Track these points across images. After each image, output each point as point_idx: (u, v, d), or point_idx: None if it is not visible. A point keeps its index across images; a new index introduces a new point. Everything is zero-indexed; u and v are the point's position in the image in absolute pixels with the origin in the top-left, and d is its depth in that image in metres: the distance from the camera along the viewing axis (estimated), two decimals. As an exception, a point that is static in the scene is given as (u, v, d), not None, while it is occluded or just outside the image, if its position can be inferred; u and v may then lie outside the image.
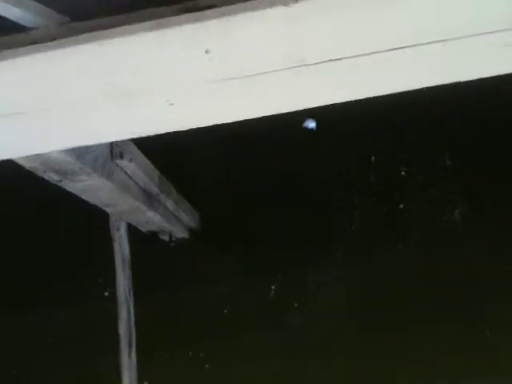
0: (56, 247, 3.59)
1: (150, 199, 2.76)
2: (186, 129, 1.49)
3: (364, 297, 3.39)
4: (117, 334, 2.89)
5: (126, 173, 2.39)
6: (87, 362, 3.23)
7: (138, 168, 2.35)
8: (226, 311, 3.48)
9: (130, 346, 2.87)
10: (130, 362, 2.86)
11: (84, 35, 1.21)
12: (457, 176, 3.53)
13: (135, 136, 1.54)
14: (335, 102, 1.38)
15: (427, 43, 1.18)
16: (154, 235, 3.46)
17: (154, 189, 2.67)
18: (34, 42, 1.24)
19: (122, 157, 2.23)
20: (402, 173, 3.70)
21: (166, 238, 3.43)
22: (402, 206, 3.53)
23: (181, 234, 3.49)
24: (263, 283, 3.51)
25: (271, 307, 3.44)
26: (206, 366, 3.35)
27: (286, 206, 3.65)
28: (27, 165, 1.90)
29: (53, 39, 1.23)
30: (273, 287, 3.50)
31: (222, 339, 3.41)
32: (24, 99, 1.30)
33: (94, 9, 1.28)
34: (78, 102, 1.32)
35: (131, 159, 2.27)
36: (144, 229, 3.25)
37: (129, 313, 2.91)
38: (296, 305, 3.43)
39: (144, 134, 1.50)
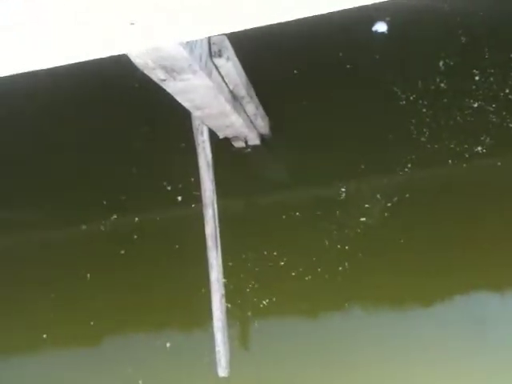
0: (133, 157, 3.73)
1: (235, 102, 2.80)
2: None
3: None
4: (202, 235, 3.05)
5: (220, 74, 2.43)
6: (181, 263, 3.42)
7: (233, 67, 2.38)
8: (297, 214, 3.59)
9: (215, 242, 3.02)
10: (216, 257, 3.02)
11: None
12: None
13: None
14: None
15: None
16: (227, 141, 3.55)
17: (242, 91, 2.70)
18: None
19: (220, 55, 2.25)
20: (476, 77, 3.66)
21: (240, 144, 3.50)
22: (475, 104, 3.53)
23: (254, 140, 3.55)
24: (334, 187, 3.59)
25: (343, 209, 3.54)
26: (281, 263, 3.51)
27: (352, 109, 3.67)
28: (138, 61, 1.95)
29: None
30: (343, 189, 3.58)
31: (293, 239, 3.55)
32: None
33: None
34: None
35: (228, 58, 2.29)
36: (221, 134, 3.32)
37: (214, 214, 3.04)
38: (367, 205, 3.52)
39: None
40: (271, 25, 1.62)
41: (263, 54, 3.55)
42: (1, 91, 3.49)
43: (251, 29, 1.60)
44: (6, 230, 3.73)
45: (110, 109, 3.79)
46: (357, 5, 1.46)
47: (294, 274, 3.45)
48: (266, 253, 3.51)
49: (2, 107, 3.91)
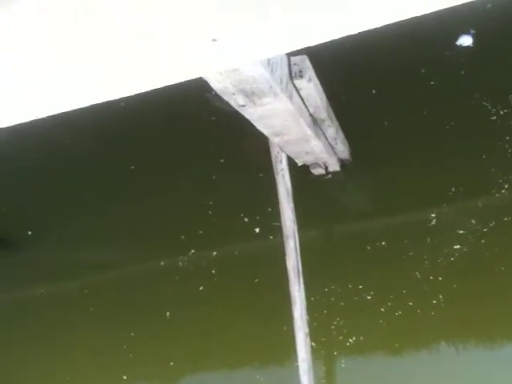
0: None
1: (316, 126, 2.64)
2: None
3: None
4: (285, 268, 2.88)
5: (300, 96, 2.28)
6: (261, 298, 3.25)
7: (314, 89, 2.22)
8: (383, 243, 3.35)
9: (298, 277, 2.84)
10: (300, 293, 2.83)
11: None
12: None
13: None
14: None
15: None
16: (306, 168, 3.39)
17: (323, 114, 2.54)
18: None
19: (301, 76, 2.10)
20: None
21: (319, 171, 3.33)
22: None
23: (333, 166, 3.36)
24: (422, 213, 3.33)
25: (433, 236, 3.27)
26: (368, 297, 3.27)
27: (438, 129, 3.42)
28: (217, 85, 1.83)
29: None
30: (433, 215, 3.31)
31: (380, 270, 3.30)
32: None
33: None
34: None
35: (310, 79, 2.14)
36: (300, 161, 3.16)
37: (295, 245, 2.86)
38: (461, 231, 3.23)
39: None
40: (345, 40, 1.48)
41: (338, 72, 3.37)
42: (80, 125, 3.54)
43: (324, 47, 1.46)
44: (85, 270, 3.71)
45: (186, 142, 3.73)
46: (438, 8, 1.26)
47: (382, 309, 3.19)
48: (350, 286, 3.27)
49: (79, 146, 3.96)
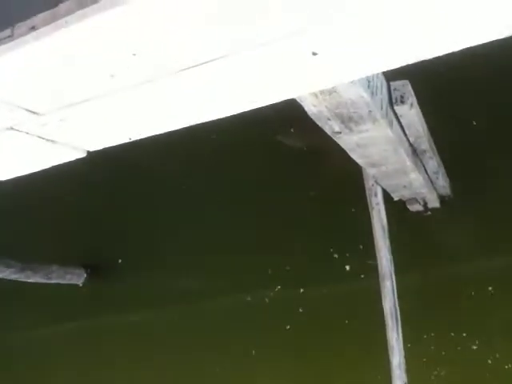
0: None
1: (415, 158, 2.45)
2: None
3: None
4: (378, 310, 2.66)
5: (400, 124, 2.12)
6: (353, 342, 3.04)
7: (416, 116, 2.05)
8: (490, 288, 3.03)
9: (396, 321, 2.60)
10: (398, 339, 2.59)
11: None
12: None
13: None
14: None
15: None
16: (402, 204, 3.17)
17: (424, 144, 2.35)
18: None
19: (403, 102, 1.94)
20: None
21: (417, 207, 3.10)
22: None
23: (433, 202, 3.12)
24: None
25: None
26: (473, 346, 2.95)
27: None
28: (312, 109, 1.71)
29: None
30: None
31: (487, 318, 2.98)
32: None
33: None
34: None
35: (412, 105, 1.98)
36: (396, 195, 2.96)
37: (392, 287, 2.64)
38: None
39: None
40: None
41: (435, 100, 3.15)
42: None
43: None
44: (168, 301, 3.67)
45: (277, 175, 3.63)
46: None
47: (489, 361, 2.86)
48: (453, 334, 2.98)
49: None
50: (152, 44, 1.03)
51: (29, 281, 3.74)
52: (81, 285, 4.07)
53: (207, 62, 1.12)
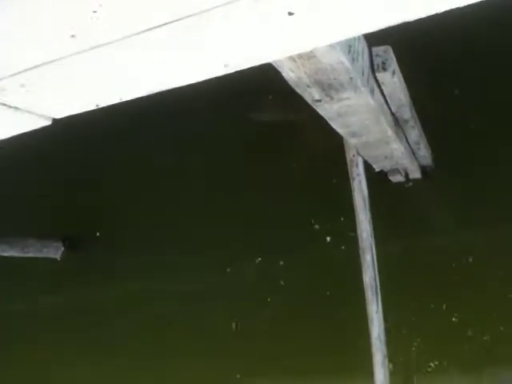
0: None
1: (397, 127, 2.40)
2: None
3: None
4: (360, 281, 2.63)
5: (382, 92, 2.05)
6: (334, 314, 3.02)
7: (398, 84, 1.99)
8: (470, 260, 3.03)
9: (376, 295, 2.59)
10: (377, 312, 2.57)
11: None
12: None
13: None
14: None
15: None
16: (383, 175, 3.12)
17: (406, 114, 2.29)
18: None
19: (384, 68, 1.88)
20: None
21: (398, 178, 3.06)
22: None
23: (414, 173, 3.08)
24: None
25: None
26: (452, 319, 2.95)
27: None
28: (291, 75, 1.64)
29: None
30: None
31: (467, 290, 2.98)
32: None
33: None
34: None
35: (394, 72, 1.91)
36: (377, 166, 2.91)
37: (373, 260, 2.61)
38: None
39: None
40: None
41: (416, 67, 3.07)
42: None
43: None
44: (147, 275, 3.62)
45: (256, 149, 3.54)
46: None
47: (469, 333, 2.87)
48: (433, 306, 2.98)
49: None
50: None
51: (4, 255, 3.66)
52: (59, 259, 4.00)
53: (174, 21, 1.04)
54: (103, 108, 1.43)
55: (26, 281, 4.00)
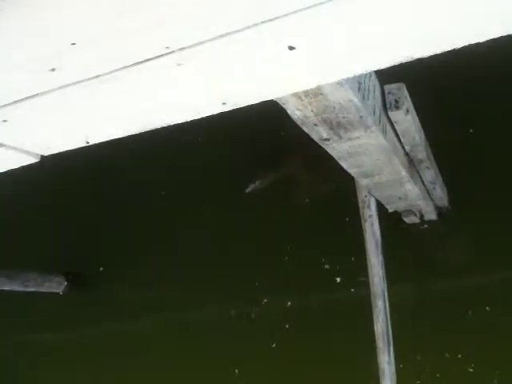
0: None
1: (411, 168, 2.28)
2: None
3: None
4: (369, 326, 2.48)
5: (395, 131, 1.95)
6: (342, 360, 2.86)
7: (412, 123, 1.88)
8: (487, 308, 2.86)
9: (388, 344, 2.42)
10: (389, 362, 2.41)
11: None
12: None
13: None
14: None
15: None
16: (397, 215, 2.99)
17: (421, 153, 2.17)
18: None
19: (397, 107, 1.77)
20: None
21: (413, 219, 2.92)
22: None
23: (430, 214, 2.94)
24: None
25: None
26: (469, 369, 2.77)
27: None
28: (297, 113, 1.54)
29: None
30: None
31: (484, 339, 2.80)
32: None
33: None
34: None
35: (408, 111, 1.80)
36: (391, 207, 2.78)
37: (384, 306, 2.46)
38: None
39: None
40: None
41: (432, 105, 2.97)
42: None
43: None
44: (151, 311, 3.49)
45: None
46: None
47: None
48: (447, 355, 2.80)
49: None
50: (91, 32, 0.86)
51: (4, 289, 3.56)
52: (61, 293, 3.89)
53: (164, 54, 0.95)
54: (100, 143, 1.34)
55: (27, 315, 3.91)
